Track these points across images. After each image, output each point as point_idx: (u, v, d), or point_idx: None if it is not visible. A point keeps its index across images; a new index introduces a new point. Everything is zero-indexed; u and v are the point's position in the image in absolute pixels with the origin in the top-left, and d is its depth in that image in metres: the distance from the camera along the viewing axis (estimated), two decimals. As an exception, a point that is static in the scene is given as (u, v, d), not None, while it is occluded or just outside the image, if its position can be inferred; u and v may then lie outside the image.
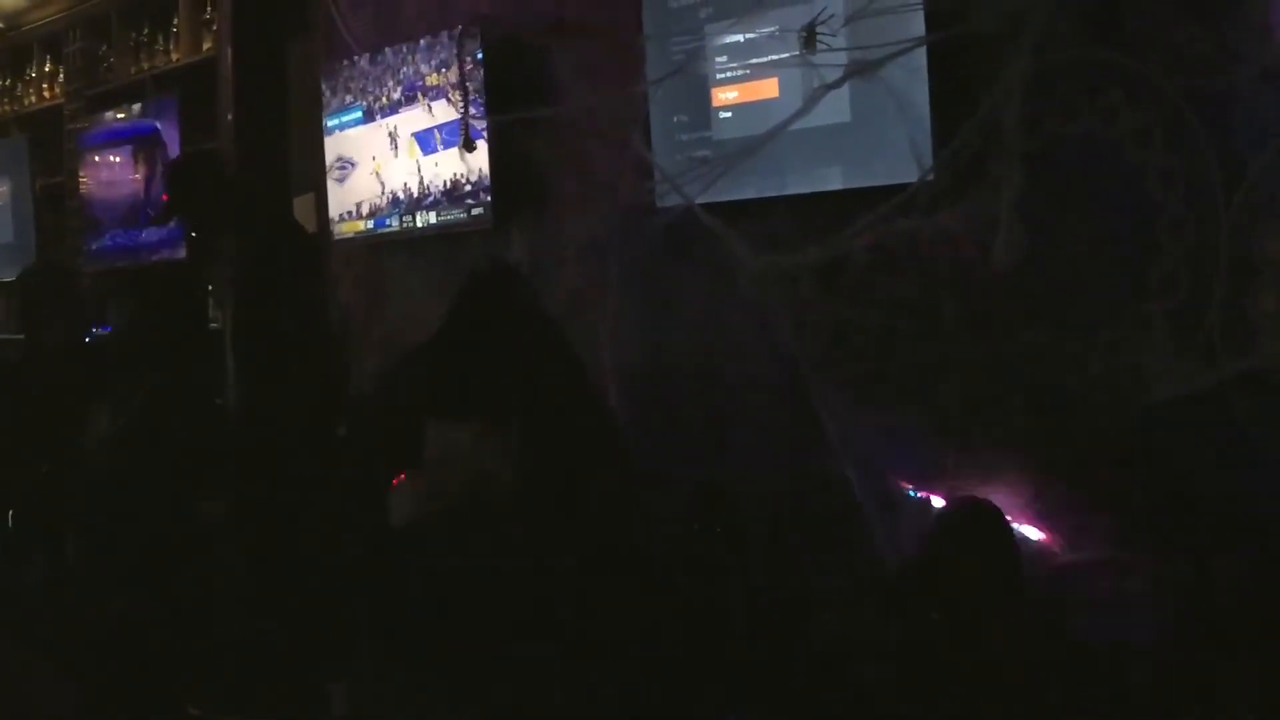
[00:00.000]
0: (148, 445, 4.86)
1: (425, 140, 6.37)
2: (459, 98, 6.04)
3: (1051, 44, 4.04)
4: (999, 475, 4.22)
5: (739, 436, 5.10)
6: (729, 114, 5.09)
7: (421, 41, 6.32)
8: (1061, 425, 4.15)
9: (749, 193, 4.94)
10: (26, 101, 9.79)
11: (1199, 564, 3.74)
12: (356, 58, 6.77)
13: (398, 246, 6.72)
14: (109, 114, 8.61)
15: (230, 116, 7.37)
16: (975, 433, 4.38)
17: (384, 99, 6.59)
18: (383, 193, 6.66)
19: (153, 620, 4.43)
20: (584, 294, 5.61)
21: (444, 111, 6.22)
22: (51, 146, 9.33)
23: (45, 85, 9.57)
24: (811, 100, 4.61)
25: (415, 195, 6.43)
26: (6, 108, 9.99)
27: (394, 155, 6.56)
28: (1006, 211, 4.10)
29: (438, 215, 6.31)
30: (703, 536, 4.66)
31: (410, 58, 6.40)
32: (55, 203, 9.30)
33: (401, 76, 6.47)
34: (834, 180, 4.75)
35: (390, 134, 6.58)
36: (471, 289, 4.81)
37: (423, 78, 6.33)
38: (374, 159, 6.69)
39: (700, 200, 5.00)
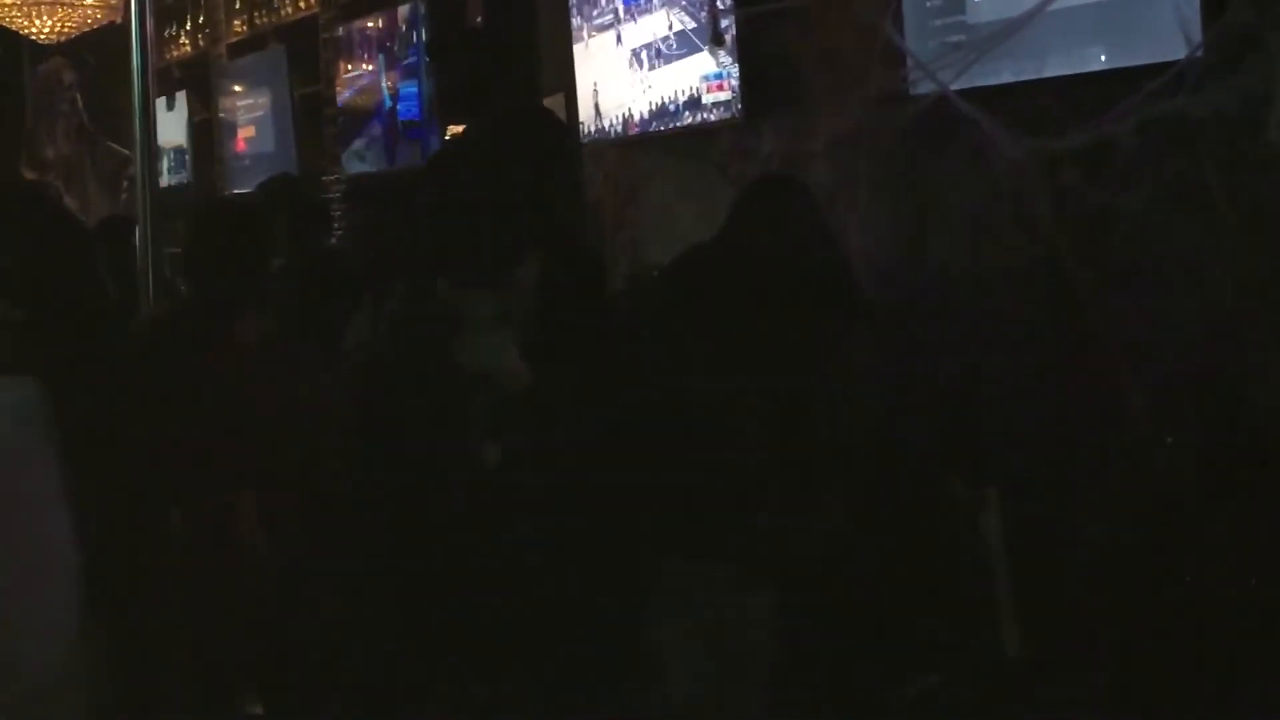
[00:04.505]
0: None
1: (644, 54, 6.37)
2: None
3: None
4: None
5: (995, 332, 4.98)
6: (984, -4, 4.92)
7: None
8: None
9: (1006, 77, 4.77)
10: (284, 13, 9.96)
11: None
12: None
13: (648, 145, 6.69)
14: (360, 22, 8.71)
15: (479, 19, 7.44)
16: (1248, 324, 4.20)
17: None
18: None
19: None
20: (836, 187, 5.52)
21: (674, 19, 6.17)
22: (307, 57, 9.48)
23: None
24: (1072, -23, 4.48)
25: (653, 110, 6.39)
26: (265, 19, 10.19)
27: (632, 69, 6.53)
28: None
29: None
30: None
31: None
32: (313, 112, 9.45)
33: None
34: (1096, 61, 4.56)
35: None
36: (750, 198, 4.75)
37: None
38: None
39: (955, 86, 4.88)
